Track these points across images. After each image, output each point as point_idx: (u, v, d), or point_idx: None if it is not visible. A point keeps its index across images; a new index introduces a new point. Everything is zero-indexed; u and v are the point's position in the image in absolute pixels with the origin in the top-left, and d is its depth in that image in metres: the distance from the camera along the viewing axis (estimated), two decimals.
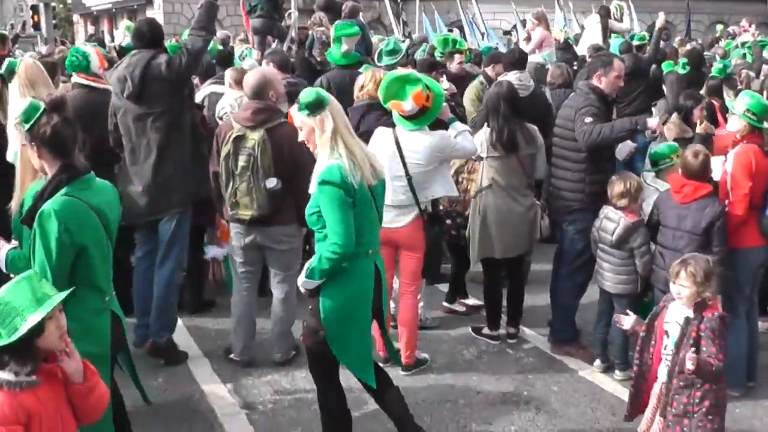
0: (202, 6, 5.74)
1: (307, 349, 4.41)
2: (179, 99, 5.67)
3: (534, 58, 10.54)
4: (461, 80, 8.41)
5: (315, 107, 4.07)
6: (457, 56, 8.69)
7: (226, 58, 9.71)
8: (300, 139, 4.24)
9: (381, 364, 5.64)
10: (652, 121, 5.62)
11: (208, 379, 5.58)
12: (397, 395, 4.54)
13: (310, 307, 4.26)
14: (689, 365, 3.81)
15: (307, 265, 4.17)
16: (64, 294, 2.90)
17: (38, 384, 2.85)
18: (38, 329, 2.79)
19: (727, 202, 5.26)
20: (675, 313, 4.10)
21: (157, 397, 5.20)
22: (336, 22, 8.86)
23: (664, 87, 8.37)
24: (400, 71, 5.57)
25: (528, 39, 10.51)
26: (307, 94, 4.14)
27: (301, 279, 4.20)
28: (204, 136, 5.96)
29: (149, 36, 5.71)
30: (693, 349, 3.84)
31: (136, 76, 5.45)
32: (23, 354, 2.82)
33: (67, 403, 3.00)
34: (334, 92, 7.54)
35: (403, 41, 11.86)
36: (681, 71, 9.18)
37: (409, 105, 5.23)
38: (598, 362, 5.76)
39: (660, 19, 11.26)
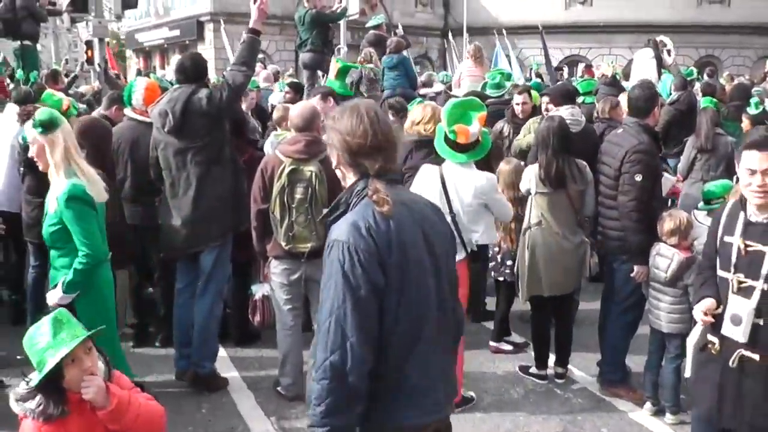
0: (244, 42, 5.78)
1: None
2: (220, 133, 5.71)
3: (457, 92, 10.52)
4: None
5: (47, 126, 4.43)
6: (519, 97, 8.50)
7: None
8: (30, 154, 4.60)
9: None
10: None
11: (252, 412, 5.55)
12: None
13: None
14: None
15: (60, 282, 4.49)
16: (81, 338, 2.93)
17: (66, 414, 2.93)
18: (57, 373, 2.89)
19: None
20: None
21: (201, 428, 5.19)
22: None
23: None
24: (462, 98, 5.52)
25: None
26: (41, 113, 4.49)
27: (58, 295, 4.49)
28: (243, 170, 6.01)
29: (191, 71, 5.76)
30: None
31: (177, 110, 5.51)
32: (49, 392, 2.92)
33: (105, 430, 3.06)
34: None
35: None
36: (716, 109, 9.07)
37: (475, 127, 5.20)
38: (648, 405, 5.60)
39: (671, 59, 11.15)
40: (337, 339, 2.61)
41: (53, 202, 4.47)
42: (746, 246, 3.57)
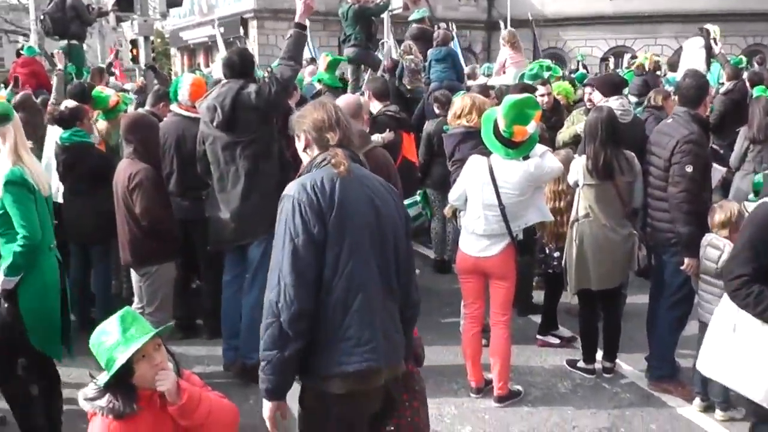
0: (291, 37, 5.79)
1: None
2: (268, 127, 5.74)
3: (501, 80, 10.40)
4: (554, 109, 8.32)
5: (1, 119, 4.57)
6: (542, 88, 8.41)
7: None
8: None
9: (473, 395, 5.61)
10: None
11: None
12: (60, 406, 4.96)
13: (5, 305, 4.61)
14: None
15: (3, 266, 4.55)
16: (151, 334, 2.91)
17: (138, 411, 2.90)
18: (128, 370, 2.86)
19: None
20: None
21: (248, 419, 5.22)
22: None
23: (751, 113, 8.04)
24: (517, 96, 5.43)
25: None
26: None
27: (0, 278, 4.58)
28: (290, 164, 6.03)
29: (239, 66, 5.80)
30: None
31: (226, 105, 5.54)
32: (119, 389, 2.88)
33: (174, 427, 3.01)
34: None
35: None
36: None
37: (532, 127, 5.18)
38: (697, 400, 5.51)
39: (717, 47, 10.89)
40: (274, 279, 3.02)
41: None
42: None
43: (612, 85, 7.01)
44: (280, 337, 3.00)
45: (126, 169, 5.72)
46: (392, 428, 3.66)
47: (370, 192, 3.19)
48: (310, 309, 2.99)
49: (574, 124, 7.53)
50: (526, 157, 5.29)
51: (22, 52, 12.87)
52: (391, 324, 3.21)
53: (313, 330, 3.03)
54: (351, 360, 3.02)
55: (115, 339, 2.86)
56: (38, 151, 7.22)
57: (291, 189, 3.08)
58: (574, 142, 7.06)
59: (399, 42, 12.21)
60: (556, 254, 6.37)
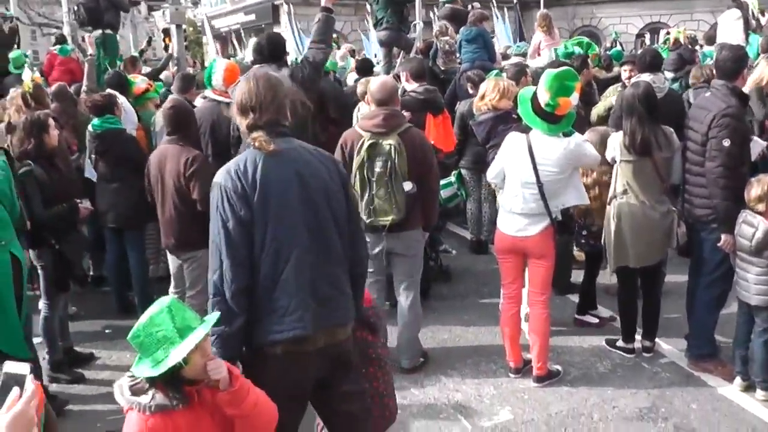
0: (320, 20, 5.84)
1: None
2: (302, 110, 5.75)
3: (536, 62, 10.26)
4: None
5: None
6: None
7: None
8: None
9: (512, 375, 5.59)
10: None
11: None
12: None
13: None
14: None
15: None
16: (207, 326, 2.83)
17: (187, 403, 2.80)
18: (182, 362, 2.72)
19: None
20: None
21: None
22: None
23: None
24: (557, 69, 5.36)
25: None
26: None
27: None
28: (325, 147, 6.04)
29: (268, 50, 5.82)
30: None
31: None
32: (168, 385, 2.78)
33: (211, 423, 2.91)
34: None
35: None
36: None
37: (575, 98, 5.14)
38: (738, 380, 5.43)
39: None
40: (216, 261, 3.19)
41: None
42: None
43: (647, 63, 6.92)
44: (227, 312, 3.13)
45: (178, 155, 5.68)
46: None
47: (295, 164, 3.30)
48: (247, 286, 3.18)
49: (609, 97, 7.48)
50: (566, 135, 5.23)
51: (53, 49, 13.02)
52: (330, 288, 3.34)
53: (251, 305, 3.21)
54: (281, 329, 3.20)
55: (166, 331, 2.74)
56: (74, 139, 7.32)
57: (219, 176, 3.26)
58: (609, 116, 7.03)
59: (428, 24, 12.15)
60: (584, 232, 6.32)
